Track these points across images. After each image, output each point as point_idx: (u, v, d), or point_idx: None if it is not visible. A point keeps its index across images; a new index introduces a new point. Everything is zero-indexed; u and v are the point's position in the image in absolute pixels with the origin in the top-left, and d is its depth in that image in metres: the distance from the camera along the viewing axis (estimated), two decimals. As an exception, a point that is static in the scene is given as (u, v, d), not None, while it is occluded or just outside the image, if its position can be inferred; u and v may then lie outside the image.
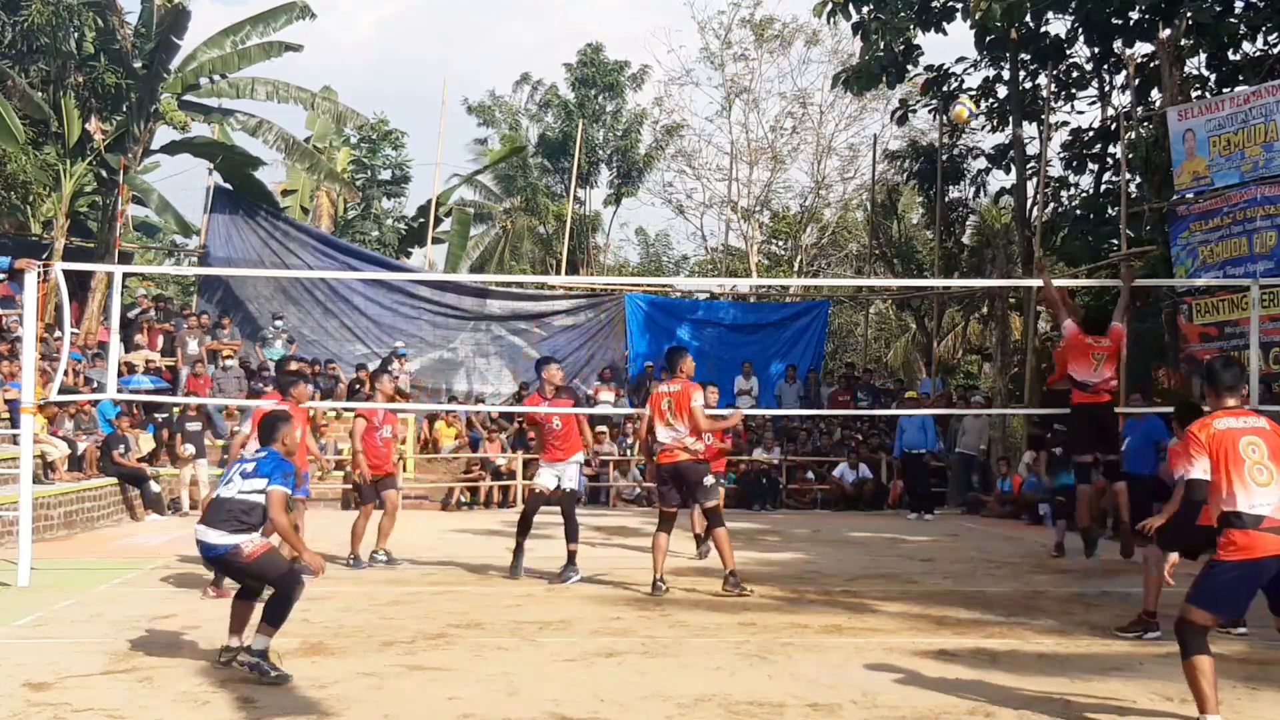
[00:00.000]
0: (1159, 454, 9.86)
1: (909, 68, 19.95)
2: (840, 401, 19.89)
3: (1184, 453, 5.10)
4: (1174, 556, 5.54)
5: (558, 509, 9.60)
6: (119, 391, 12.66)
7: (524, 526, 9.60)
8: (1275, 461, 4.96)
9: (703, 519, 10.05)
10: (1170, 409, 9.03)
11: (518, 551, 9.57)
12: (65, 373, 11.55)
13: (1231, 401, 5.17)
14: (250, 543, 5.87)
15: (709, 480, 8.69)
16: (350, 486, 12.99)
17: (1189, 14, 15.92)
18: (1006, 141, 21.05)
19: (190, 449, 15.45)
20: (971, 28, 18.49)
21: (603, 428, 18.67)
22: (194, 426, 15.73)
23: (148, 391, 16.32)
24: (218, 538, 5.87)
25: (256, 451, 6.26)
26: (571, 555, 9.40)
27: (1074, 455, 9.38)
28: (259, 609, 5.97)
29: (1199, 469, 4.99)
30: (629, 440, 18.81)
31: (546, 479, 9.60)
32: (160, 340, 19.08)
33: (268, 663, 5.68)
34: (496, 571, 9.79)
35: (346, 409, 15.76)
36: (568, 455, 9.60)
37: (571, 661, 6.21)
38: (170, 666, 5.97)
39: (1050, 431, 13.55)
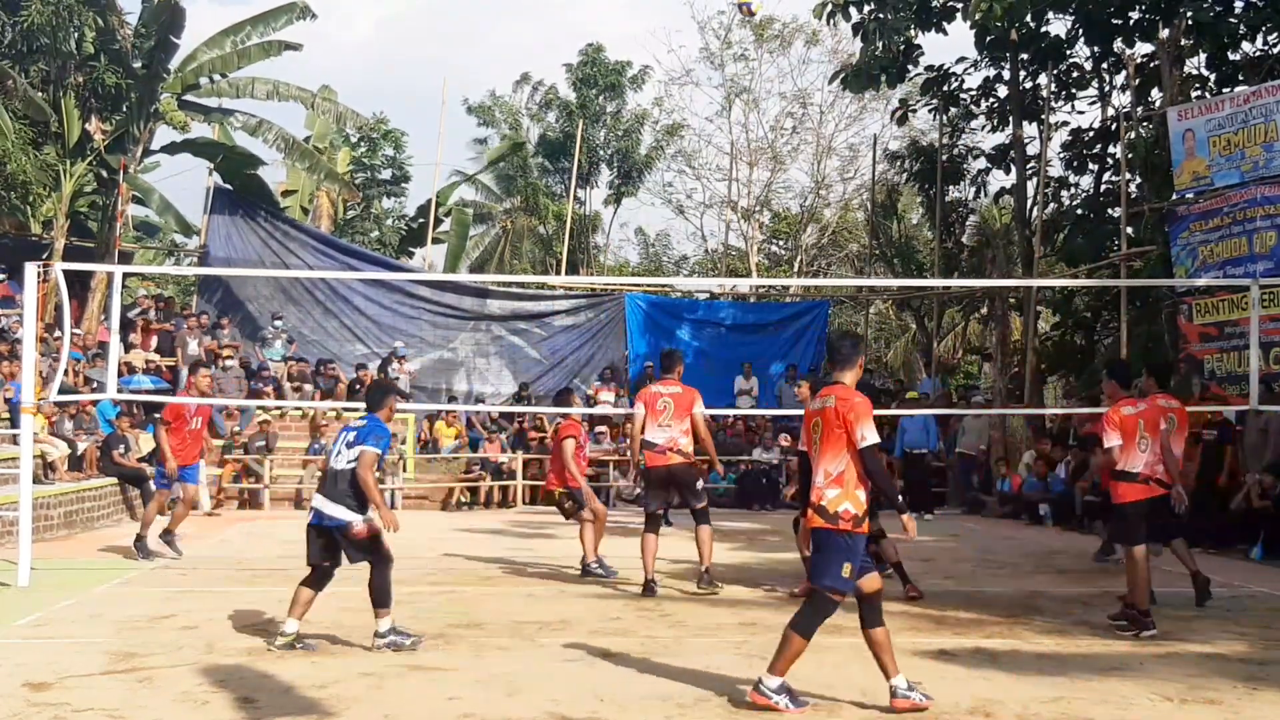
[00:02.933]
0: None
1: (909, 68, 19.95)
2: (840, 401, 19.86)
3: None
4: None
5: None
6: (119, 391, 12.66)
7: None
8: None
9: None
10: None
11: None
12: (65, 373, 11.56)
13: None
14: (361, 522, 6.40)
15: (700, 484, 8.70)
16: None
17: (1189, 14, 15.92)
18: (1006, 141, 21.05)
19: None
20: (971, 28, 18.49)
21: (603, 428, 18.69)
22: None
23: (148, 391, 16.32)
24: (335, 510, 6.38)
25: (360, 418, 6.76)
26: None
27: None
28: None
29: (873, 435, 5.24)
30: (627, 440, 18.79)
31: None
32: (157, 340, 19.06)
33: (399, 634, 6.38)
34: (497, 571, 9.79)
35: (347, 409, 15.78)
36: None
37: (571, 661, 6.21)
38: (170, 666, 5.97)
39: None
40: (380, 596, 6.42)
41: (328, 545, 6.50)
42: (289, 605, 6.47)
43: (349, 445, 6.47)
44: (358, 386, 14.92)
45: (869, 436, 5.18)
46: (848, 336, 5.76)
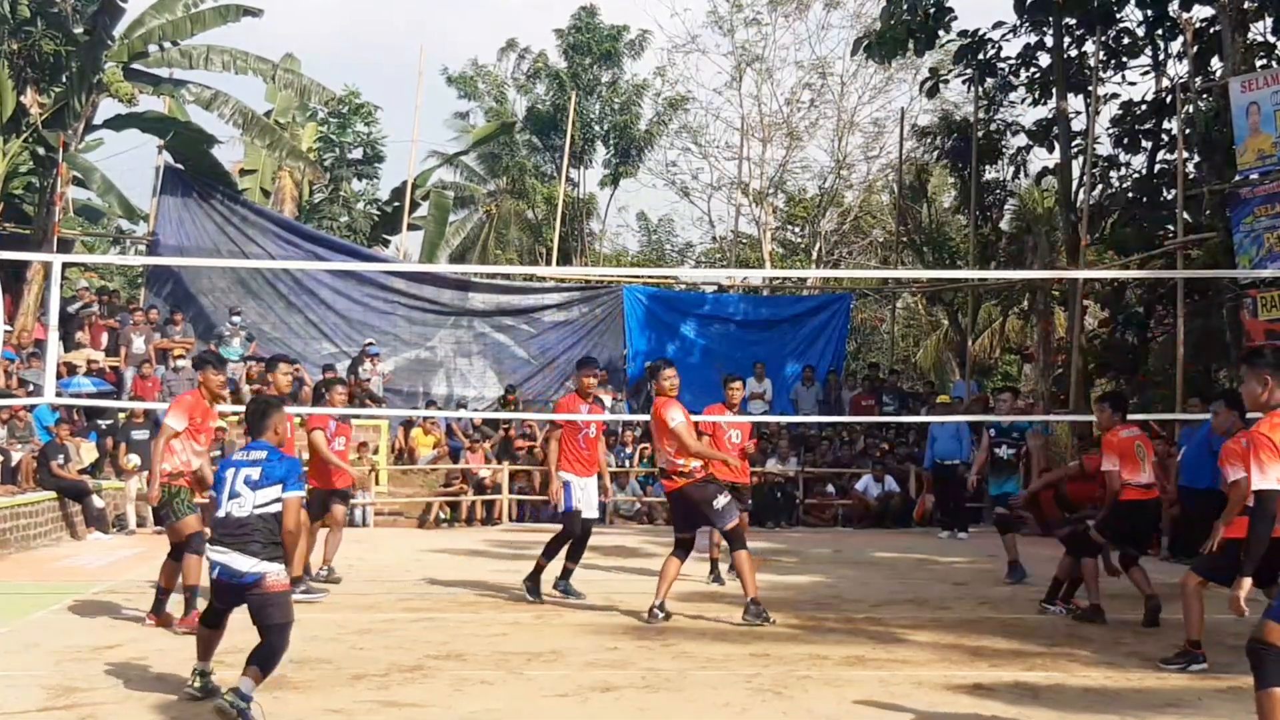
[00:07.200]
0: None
1: (940, 33, 19.95)
2: (863, 407, 19.91)
3: (1253, 457, 4.91)
4: (1247, 582, 5.03)
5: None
6: (58, 395, 12.66)
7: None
8: None
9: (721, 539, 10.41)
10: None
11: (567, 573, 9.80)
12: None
13: None
14: (277, 575, 5.83)
15: (719, 501, 8.67)
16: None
17: (1253, -27, 15.95)
18: (1049, 116, 21.07)
19: (135, 460, 15.44)
20: (1010, -12, 18.54)
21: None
22: (140, 435, 15.72)
23: (89, 395, 16.33)
24: (249, 564, 5.77)
25: (249, 449, 6.10)
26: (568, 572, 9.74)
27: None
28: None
29: (1272, 477, 4.83)
30: (627, 450, 18.83)
31: (589, 502, 9.80)
32: (104, 338, 19.09)
33: (258, 707, 5.60)
34: (479, 596, 9.81)
35: (311, 414, 15.76)
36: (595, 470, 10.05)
37: (563, 697, 6.21)
38: (115, 703, 5.97)
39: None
40: (268, 661, 5.77)
41: (235, 600, 5.99)
42: (196, 647, 6.15)
43: (253, 485, 5.87)
44: (324, 391, 14.95)
45: None
46: None
